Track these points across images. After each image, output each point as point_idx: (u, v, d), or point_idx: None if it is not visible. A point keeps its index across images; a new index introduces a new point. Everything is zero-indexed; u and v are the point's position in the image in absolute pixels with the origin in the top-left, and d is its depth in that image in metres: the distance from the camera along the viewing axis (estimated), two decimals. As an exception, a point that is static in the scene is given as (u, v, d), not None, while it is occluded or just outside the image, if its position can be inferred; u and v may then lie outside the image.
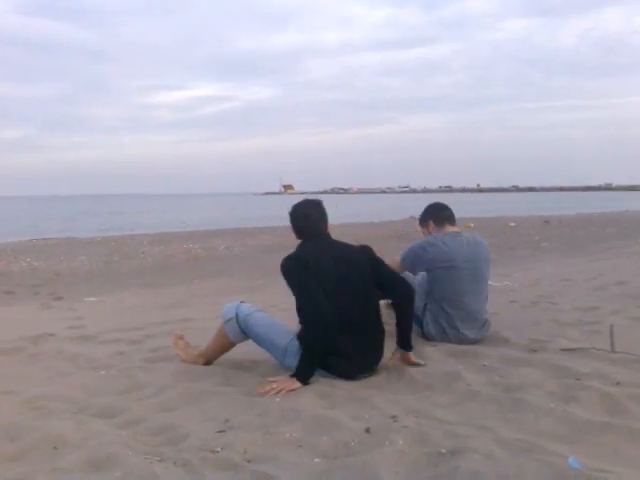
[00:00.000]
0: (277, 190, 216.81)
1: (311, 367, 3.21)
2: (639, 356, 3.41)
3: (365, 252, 3.53)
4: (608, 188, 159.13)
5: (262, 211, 44.72)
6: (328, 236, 3.56)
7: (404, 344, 3.52)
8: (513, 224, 21.09)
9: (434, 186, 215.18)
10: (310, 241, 3.51)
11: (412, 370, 3.37)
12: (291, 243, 3.66)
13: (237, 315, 3.56)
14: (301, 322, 3.30)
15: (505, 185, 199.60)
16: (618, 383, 2.96)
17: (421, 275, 4.15)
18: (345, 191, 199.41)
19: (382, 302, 3.75)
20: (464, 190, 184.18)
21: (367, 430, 2.52)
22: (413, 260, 4.05)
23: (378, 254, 3.56)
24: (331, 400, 2.97)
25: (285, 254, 3.42)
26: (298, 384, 3.11)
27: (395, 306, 3.53)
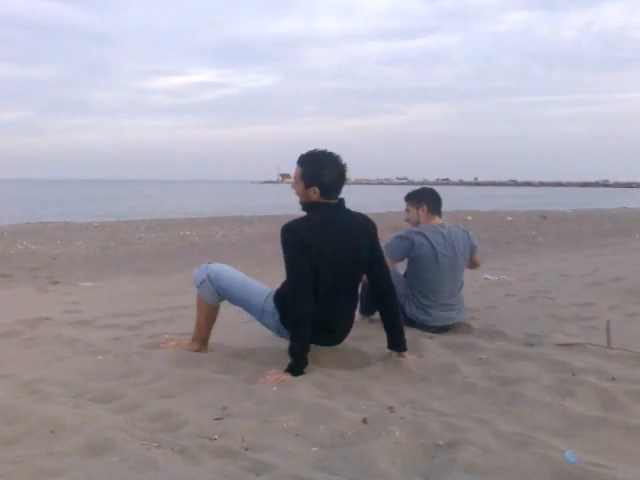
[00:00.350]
0: (275, 179, 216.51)
1: (302, 360, 3.19)
2: (635, 352, 3.44)
3: (368, 232, 3.37)
4: (605, 184, 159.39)
5: (260, 199, 44.65)
6: (341, 201, 3.33)
7: (398, 345, 3.45)
8: (510, 218, 21.12)
9: (432, 178, 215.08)
10: (320, 210, 3.27)
11: (408, 362, 3.38)
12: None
13: (208, 276, 3.55)
14: (286, 293, 3.26)
15: (503, 179, 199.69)
16: (614, 379, 2.98)
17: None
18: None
19: None
20: (461, 183, 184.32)
21: (364, 420, 2.53)
22: (397, 245, 4.13)
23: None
24: (327, 390, 2.98)
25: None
26: (292, 377, 3.11)
27: (378, 299, 3.50)
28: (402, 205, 4.44)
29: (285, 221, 3.32)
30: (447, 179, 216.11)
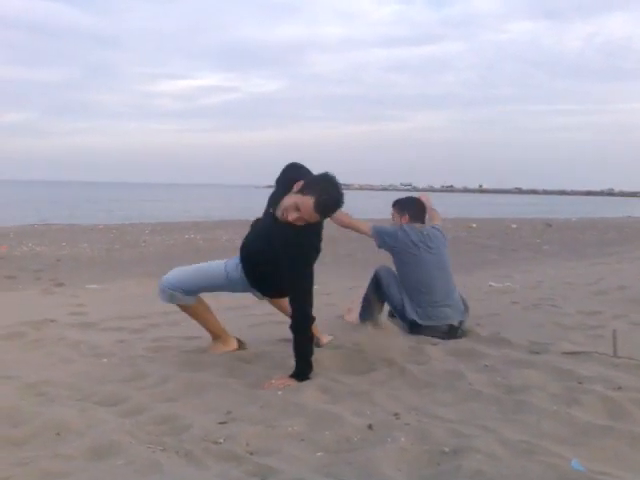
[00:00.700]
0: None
1: (308, 364, 3.20)
2: (641, 361, 3.43)
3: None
4: (610, 193, 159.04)
5: (264, 204, 44.23)
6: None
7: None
8: (515, 226, 21.07)
9: (436, 185, 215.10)
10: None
11: (413, 367, 3.37)
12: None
13: (169, 288, 3.60)
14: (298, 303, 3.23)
15: (508, 186, 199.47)
16: (620, 388, 2.97)
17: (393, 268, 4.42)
18: (347, 187, 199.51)
19: None
20: (466, 190, 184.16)
21: (369, 426, 2.53)
22: (384, 230, 4.33)
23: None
24: (332, 395, 2.98)
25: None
26: (297, 382, 3.12)
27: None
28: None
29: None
30: (451, 186, 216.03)
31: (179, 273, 3.66)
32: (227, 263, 3.60)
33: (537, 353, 3.68)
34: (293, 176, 3.27)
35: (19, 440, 2.42)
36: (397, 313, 4.38)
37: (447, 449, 2.28)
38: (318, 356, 3.33)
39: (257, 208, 4.06)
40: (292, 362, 3.23)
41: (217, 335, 3.77)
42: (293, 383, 3.09)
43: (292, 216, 3.08)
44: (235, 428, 2.53)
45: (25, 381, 3.19)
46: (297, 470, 2.15)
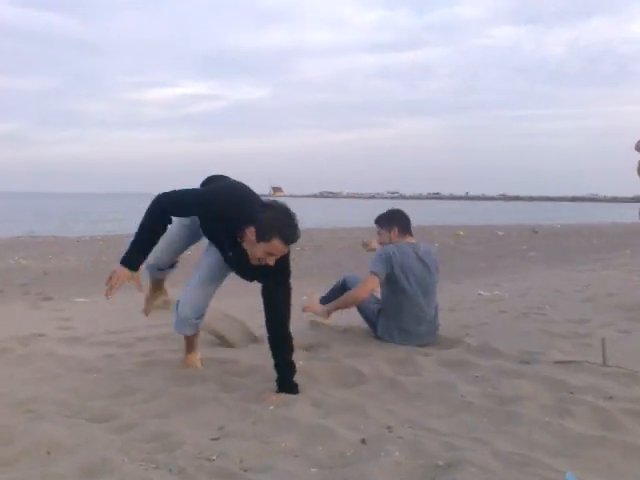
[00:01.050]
0: (267, 192, 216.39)
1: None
2: (630, 370, 3.44)
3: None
4: (594, 199, 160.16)
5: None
6: None
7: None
8: (501, 233, 21.15)
9: (423, 192, 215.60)
10: None
11: (404, 379, 3.38)
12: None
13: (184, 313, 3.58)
14: None
15: (493, 193, 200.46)
16: (611, 397, 2.98)
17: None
18: (335, 195, 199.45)
19: None
20: (452, 197, 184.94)
21: (363, 441, 2.52)
22: (384, 260, 4.17)
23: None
24: (324, 408, 2.97)
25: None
26: (290, 396, 3.09)
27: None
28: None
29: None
30: (438, 193, 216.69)
31: (188, 294, 3.65)
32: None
33: (527, 363, 3.69)
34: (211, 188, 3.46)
35: (10, 459, 2.39)
36: (367, 321, 4.43)
37: (441, 462, 2.28)
38: (308, 368, 3.31)
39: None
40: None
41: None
42: (284, 398, 3.07)
43: (271, 261, 3.07)
44: (228, 444, 2.51)
45: (14, 398, 3.15)
46: (292, 486, 2.14)
